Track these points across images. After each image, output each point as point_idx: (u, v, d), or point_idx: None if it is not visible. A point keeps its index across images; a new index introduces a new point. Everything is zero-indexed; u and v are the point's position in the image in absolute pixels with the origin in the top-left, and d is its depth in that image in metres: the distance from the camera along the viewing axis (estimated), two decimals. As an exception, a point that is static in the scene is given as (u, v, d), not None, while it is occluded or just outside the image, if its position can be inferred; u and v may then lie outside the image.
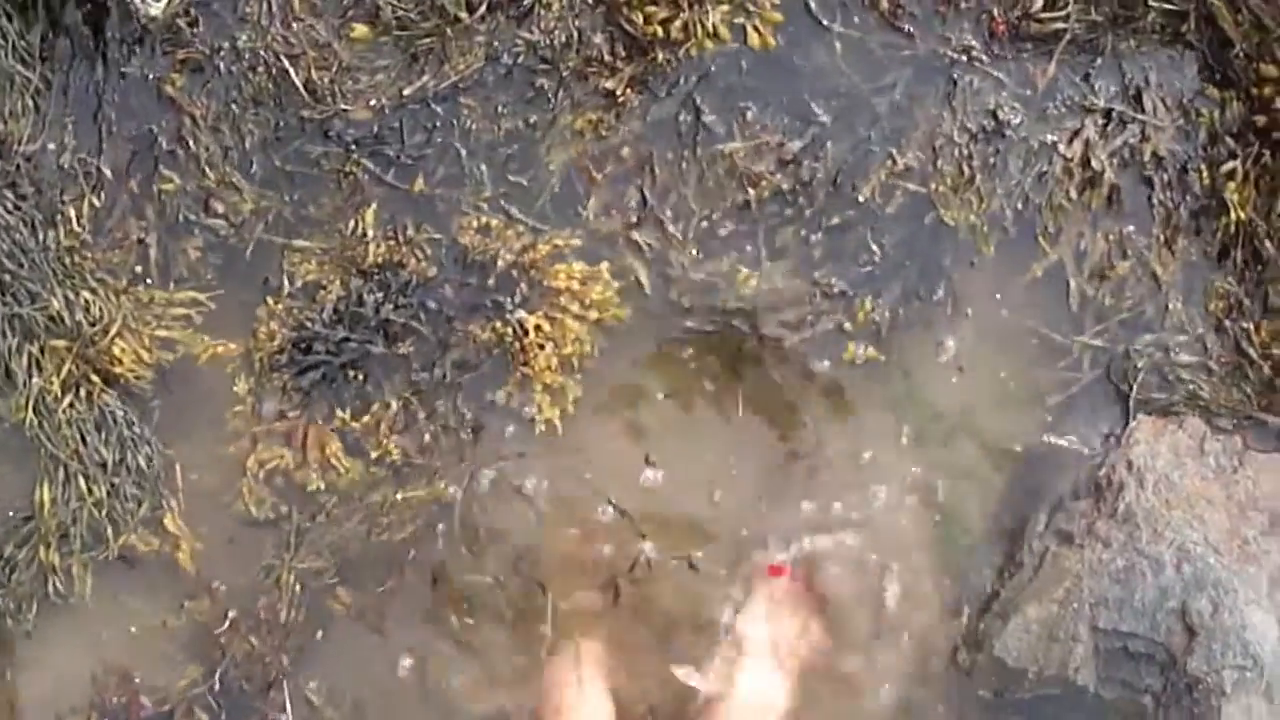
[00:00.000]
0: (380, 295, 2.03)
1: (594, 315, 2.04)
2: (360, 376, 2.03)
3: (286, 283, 2.04)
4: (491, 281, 2.05)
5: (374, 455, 2.04)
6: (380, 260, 2.04)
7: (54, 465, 2.00)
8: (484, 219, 2.05)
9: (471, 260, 2.05)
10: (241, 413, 2.05)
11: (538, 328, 2.02)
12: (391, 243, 2.04)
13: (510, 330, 2.03)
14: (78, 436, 2.00)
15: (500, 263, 2.04)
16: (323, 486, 2.03)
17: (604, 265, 2.05)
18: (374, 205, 2.05)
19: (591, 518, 2.05)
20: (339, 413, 2.04)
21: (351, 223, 2.05)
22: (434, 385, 2.04)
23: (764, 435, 2.09)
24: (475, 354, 2.04)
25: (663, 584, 2.04)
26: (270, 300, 2.05)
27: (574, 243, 2.06)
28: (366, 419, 2.04)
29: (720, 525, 2.06)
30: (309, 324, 2.03)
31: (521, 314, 2.02)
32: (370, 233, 2.05)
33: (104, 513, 2.01)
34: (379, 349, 2.02)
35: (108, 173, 2.03)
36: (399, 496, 2.04)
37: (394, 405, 2.03)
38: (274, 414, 2.04)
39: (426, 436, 2.04)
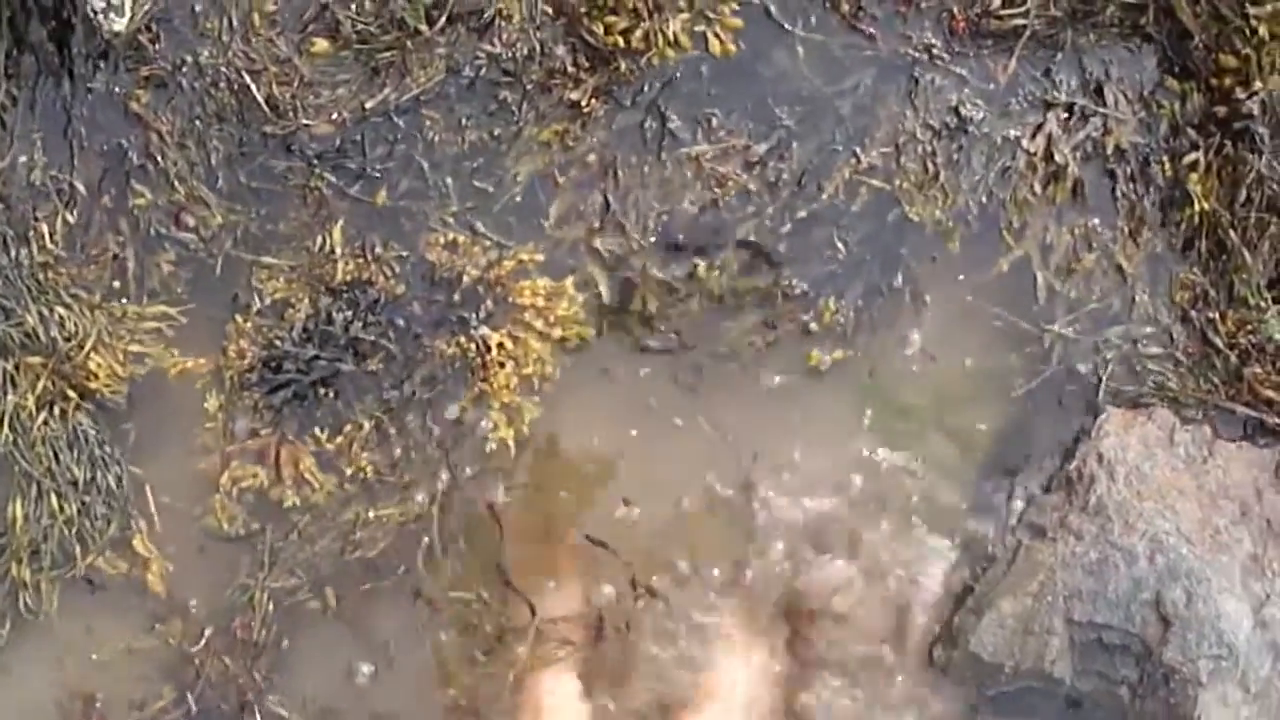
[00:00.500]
0: (349, 313, 2.04)
1: (558, 333, 2.05)
2: (331, 393, 2.04)
3: (256, 300, 2.05)
4: (458, 297, 2.06)
5: (348, 471, 2.04)
6: (349, 278, 2.05)
7: (27, 482, 2.01)
8: (451, 235, 2.06)
9: (439, 277, 2.05)
10: (213, 429, 2.05)
11: (500, 345, 2.03)
12: (359, 260, 2.05)
13: (473, 346, 2.03)
14: (51, 454, 2.01)
15: (466, 278, 2.05)
16: (298, 503, 2.04)
17: (569, 281, 2.06)
18: (341, 222, 2.05)
19: (569, 546, 2.06)
20: (312, 430, 2.04)
21: (319, 239, 2.06)
22: (403, 401, 2.05)
23: (732, 447, 2.09)
24: (441, 369, 2.05)
25: (646, 612, 2.04)
26: (239, 318, 2.05)
27: (538, 258, 2.06)
28: (340, 439, 2.04)
29: (700, 544, 2.07)
30: (278, 342, 2.04)
31: (485, 330, 2.03)
32: (338, 250, 2.06)
33: (74, 531, 2.01)
34: (348, 366, 2.03)
35: (80, 188, 2.04)
36: (371, 514, 2.05)
37: (366, 424, 2.04)
38: (246, 432, 2.04)
39: (398, 451, 2.05)
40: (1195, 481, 2.07)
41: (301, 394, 2.04)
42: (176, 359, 2.05)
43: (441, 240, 2.07)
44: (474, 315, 2.05)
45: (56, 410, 2.02)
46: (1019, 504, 2.10)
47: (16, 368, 2.01)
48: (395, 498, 2.05)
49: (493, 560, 2.04)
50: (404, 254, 2.06)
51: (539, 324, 2.04)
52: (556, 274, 2.07)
